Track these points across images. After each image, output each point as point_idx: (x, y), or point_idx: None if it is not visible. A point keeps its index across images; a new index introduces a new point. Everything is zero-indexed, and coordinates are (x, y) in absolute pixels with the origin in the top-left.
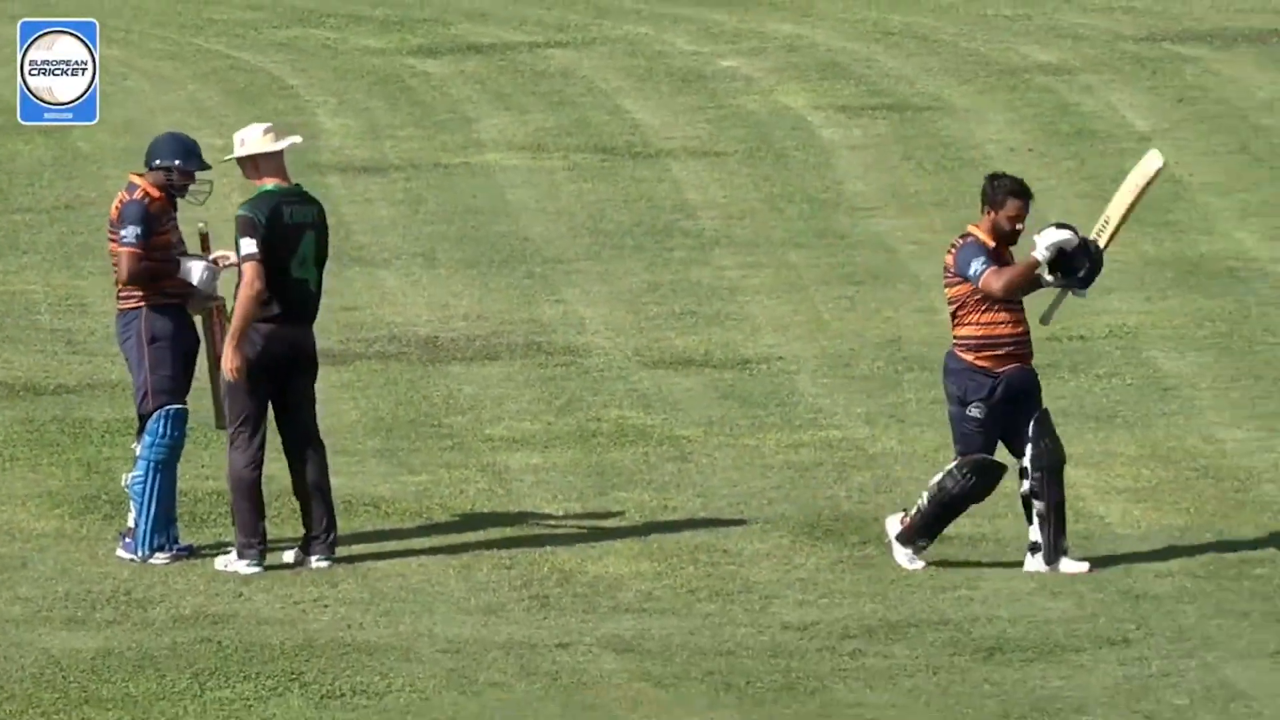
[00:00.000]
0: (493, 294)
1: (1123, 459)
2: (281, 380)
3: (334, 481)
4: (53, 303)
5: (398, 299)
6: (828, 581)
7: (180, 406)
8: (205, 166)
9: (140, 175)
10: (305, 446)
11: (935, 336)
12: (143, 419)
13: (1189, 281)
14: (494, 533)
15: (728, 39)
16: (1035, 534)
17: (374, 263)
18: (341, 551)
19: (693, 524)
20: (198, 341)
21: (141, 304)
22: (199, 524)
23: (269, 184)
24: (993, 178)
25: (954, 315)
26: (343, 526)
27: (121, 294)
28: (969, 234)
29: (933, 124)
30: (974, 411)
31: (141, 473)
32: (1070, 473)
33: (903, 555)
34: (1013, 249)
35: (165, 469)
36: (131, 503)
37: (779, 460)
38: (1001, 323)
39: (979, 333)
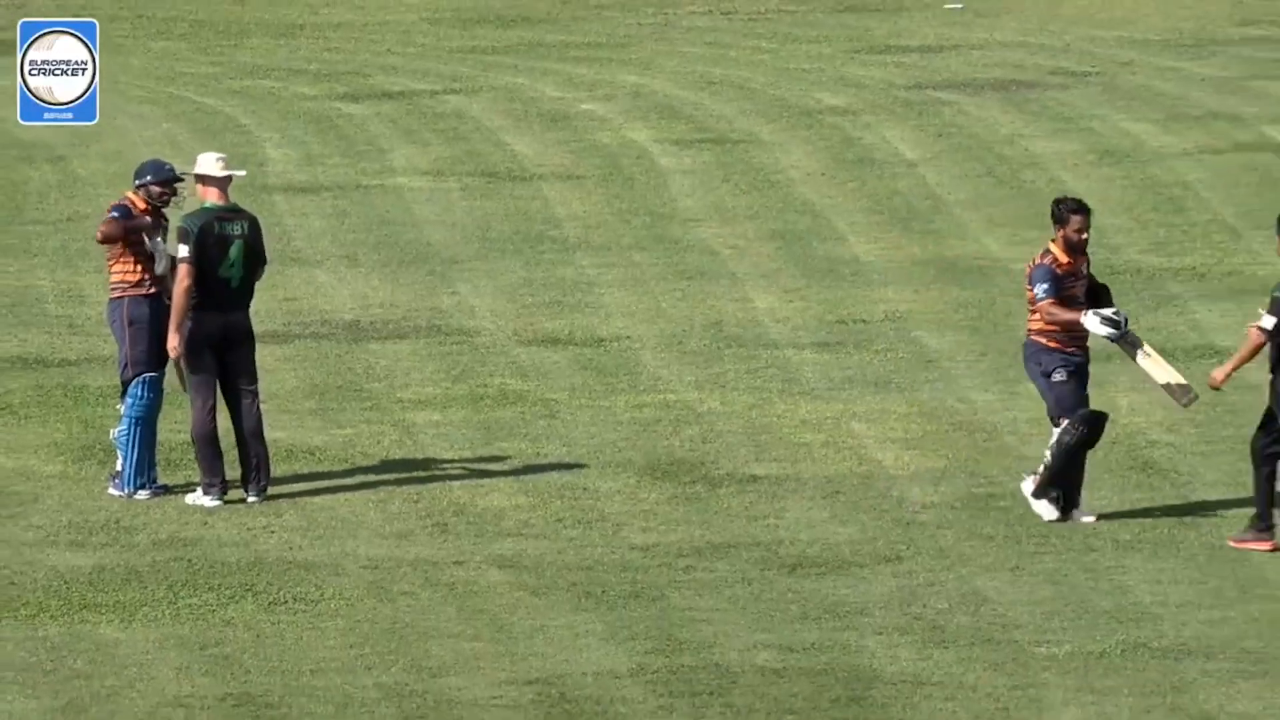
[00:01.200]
0: (402, 287)
1: (895, 415)
2: (220, 353)
3: (279, 434)
4: (57, 295)
5: (327, 291)
6: (665, 512)
7: (155, 374)
8: (178, 179)
9: (131, 193)
10: (241, 404)
11: (748, 320)
12: (125, 385)
13: (947, 277)
14: (404, 474)
15: (586, 87)
16: (1039, 468)
17: (309, 263)
18: (283, 489)
19: (559, 467)
20: (158, 328)
21: (125, 295)
22: (173, 468)
23: (209, 200)
24: (1058, 201)
25: (1030, 310)
26: (284, 469)
27: (111, 285)
28: (1048, 251)
29: (746, 154)
30: (1058, 376)
31: (125, 427)
32: (855, 426)
33: (1042, 507)
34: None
35: (145, 424)
36: (118, 451)
37: (627, 417)
38: (1065, 319)
39: (1046, 327)
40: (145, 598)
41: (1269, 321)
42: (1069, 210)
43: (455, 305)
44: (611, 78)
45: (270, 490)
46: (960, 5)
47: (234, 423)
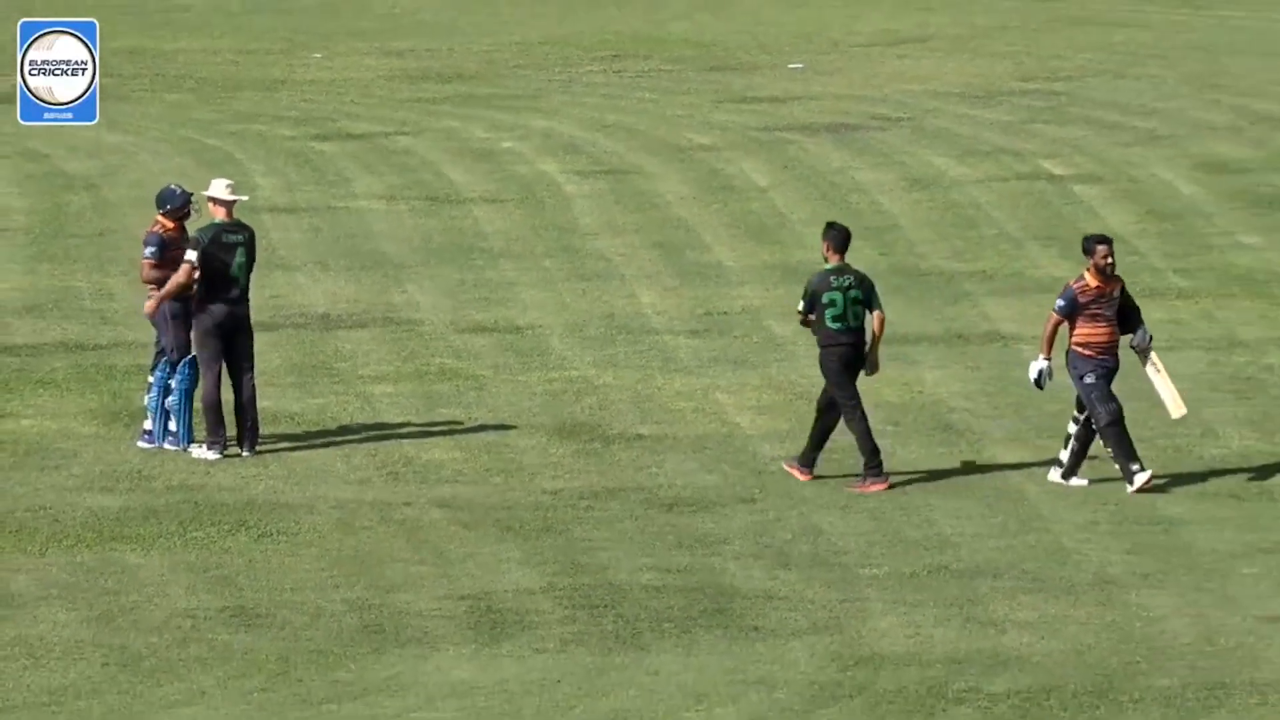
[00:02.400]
0: (363, 287)
1: (750, 387)
2: (228, 339)
3: (266, 403)
4: (91, 294)
5: (305, 290)
6: (569, 463)
7: (193, 355)
8: (189, 198)
9: (160, 218)
10: (242, 379)
11: (635, 312)
12: (169, 365)
13: (790, 278)
14: (364, 434)
15: (507, 129)
16: (1063, 452)
17: (290, 268)
18: (269, 446)
19: (486, 429)
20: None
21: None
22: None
23: (218, 217)
24: (1086, 237)
25: (1070, 326)
26: (268, 430)
27: (152, 289)
28: (1081, 277)
29: (633, 182)
30: (1089, 379)
31: (156, 394)
32: (719, 396)
33: (1140, 477)
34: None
35: (188, 395)
36: (148, 413)
37: (539, 389)
38: (1097, 332)
39: (1080, 339)
40: (160, 531)
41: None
42: (1095, 242)
43: (404, 301)
44: (527, 122)
45: (259, 447)
46: (801, 66)
47: (235, 393)
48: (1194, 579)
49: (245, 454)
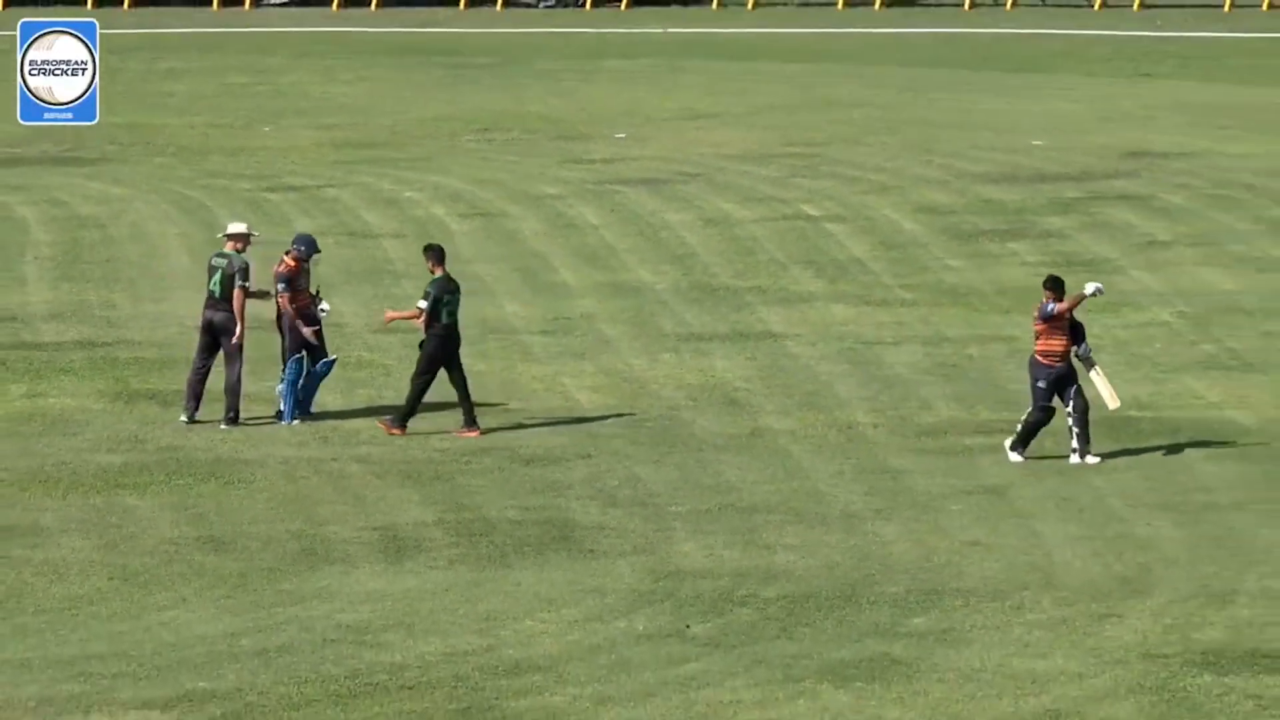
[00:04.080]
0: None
1: (588, 374)
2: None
3: (267, 384)
4: (100, 305)
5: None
6: (444, 428)
7: (298, 356)
8: (315, 248)
9: (286, 256)
10: (226, 369)
11: (501, 318)
12: (286, 362)
13: (618, 293)
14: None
15: (407, 183)
16: (1074, 442)
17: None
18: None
19: (392, 404)
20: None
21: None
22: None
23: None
24: (1047, 277)
25: (1036, 336)
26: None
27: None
28: (1047, 303)
29: (501, 222)
30: (1041, 383)
31: (284, 387)
32: (565, 380)
33: (1015, 456)
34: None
35: (293, 385)
36: (281, 400)
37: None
38: (1054, 345)
39: (1041, 349)
40: (151, 480)
41: None
42: (1053, 283)
43: (334, 310)
44: (423, 178)
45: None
46: (624, 135)
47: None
48: (914, 513)
49: (222, 426)
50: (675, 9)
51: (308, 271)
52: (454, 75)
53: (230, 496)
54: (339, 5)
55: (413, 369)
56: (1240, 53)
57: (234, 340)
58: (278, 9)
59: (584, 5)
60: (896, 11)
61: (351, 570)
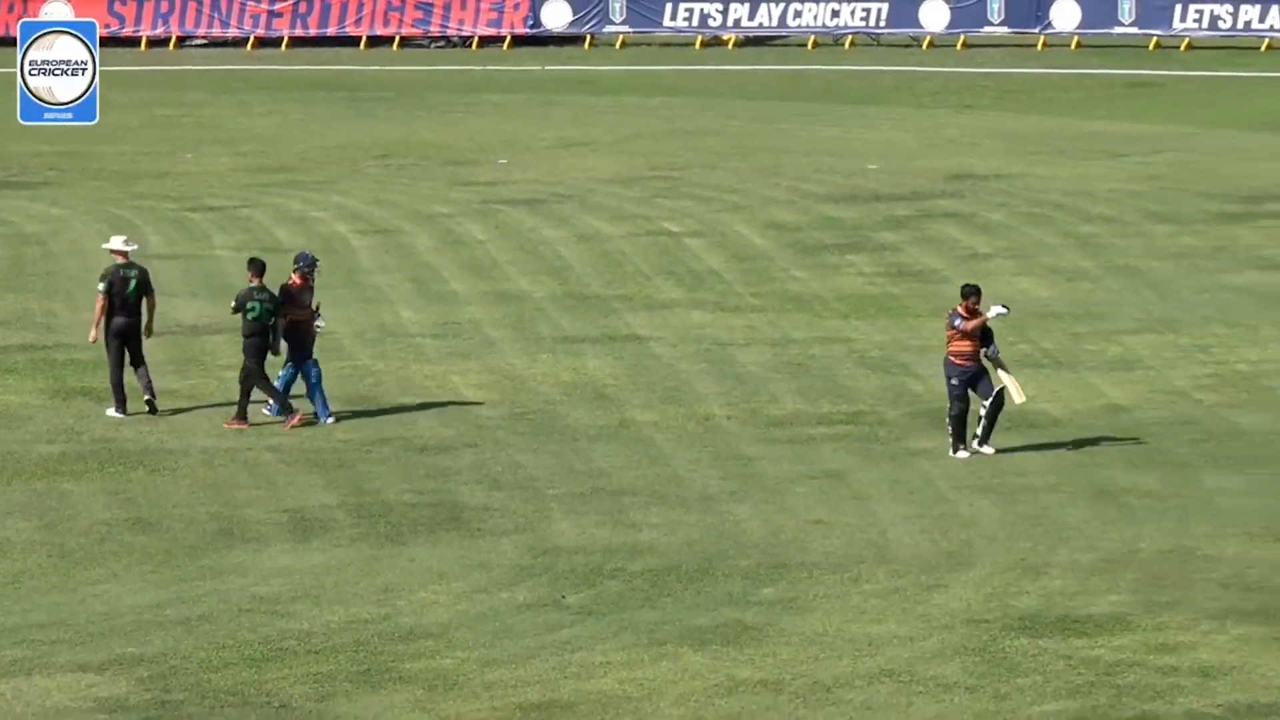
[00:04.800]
0: (219, 307)
1: (474, 372)
2: (125, 341)
3: (155, 384)
4: (41, 313)
5: (181, 309)
6: (355, 422)
7: (293, 363)
8: (314, 261)
9: (293, 274)
10: (138, 368)
11: (397, 323)
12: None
13: (500, 301)
14: (218, 404)
15: (313, 204)
16: (979, 428)
17: (171, 294)
18: (200, 414)
19: (301, 399)
20: (299, 340)
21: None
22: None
23: (118, 260)
24: (965, 285)
25: (948, 340)
26: (198, 407)
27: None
28: (955, 309)
29: (396, 238)
30: (954, 381)
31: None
32: (453, 378)
33: (960, 453)
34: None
35: (286, 384)
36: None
37: (335, 374)
38: (964, 348)
39: (953, 351)
40: (86, 468)
41: None
42: (969, 292)
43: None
44: (327, 199)
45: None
46: (505, 161)
47: (137, 377)
48: (764, 495)
49: (149, 413)
50: (551, 49)
51: (311, 288)
52: (355, 108)
53: (156, 482)
54: (253, 46)
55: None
56: (1050, 87)
57: (142, 341)
58: (198, 49)
59: (471, 45)
60: (748, 51)
61: (264, 548)
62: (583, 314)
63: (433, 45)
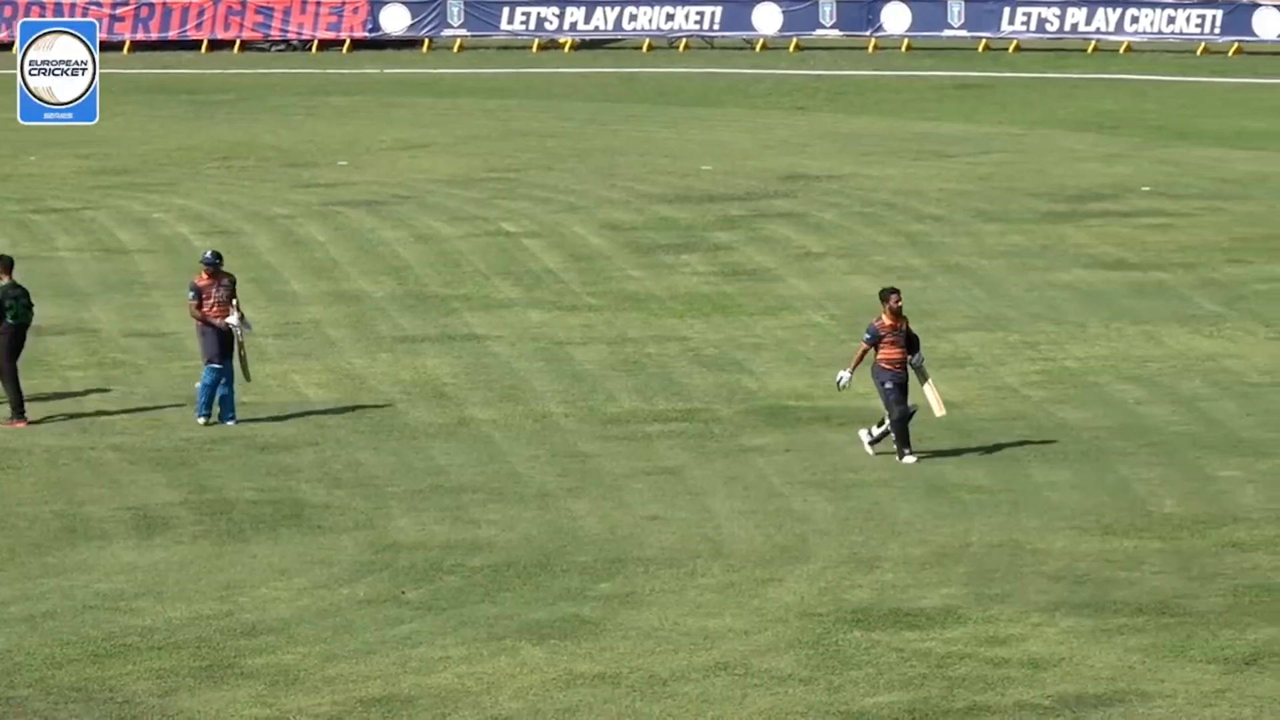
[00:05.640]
0: (63, 308)
1: (314, 371)
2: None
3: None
4: None
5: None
6: (198, 420)
7: (211, 365)
8: (216, 260)
9: (205, 270)
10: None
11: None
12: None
13: (341, 301)
14: (65, 405)
15: (156, 205)
16: (876, 433)
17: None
18: (43, 412)
19: (143, 399)
20: (219, 340)
21: (197, 325)
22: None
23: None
24: (883, 289)
25: (876, 348)
26: (38, 404)
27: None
28: (880, 316)
29: (237, 239)
30: (888, 385)
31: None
32: (295, 376)
33: (908, 459)
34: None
35: (207, 388)
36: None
37: (178, 374)
38: (892, 354)
39: (882, 357)
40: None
41: None
42: (889, 293)
43: (90, 317)
44: (169, 200)
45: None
46: (345, 163)
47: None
48: (601, 491)
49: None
50: (390, 52)
51: (224, 285)
52: (196, 111)
53: (7, 481)
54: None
55: (158, 370)
56: (881, 88)
57: None
58: None
59: (310, 48)
60: (584, 54)
61: (108, 545)
62: (422, 313)
63: (273, 49)
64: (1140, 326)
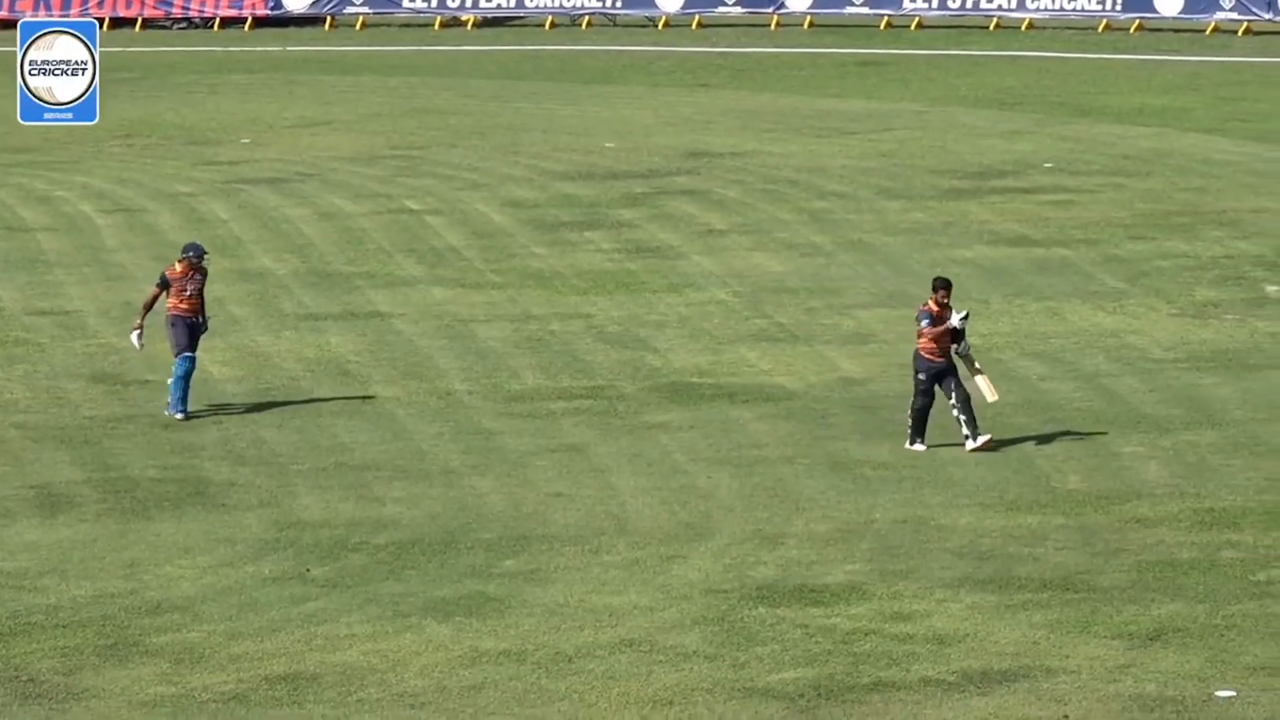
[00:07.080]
0: (24, 292)
1: (218, 350)
2: None
3: None
4: None
5: (0, 299)
6: (102, 399)
7: (183, 354)
8: (200, 254)
9: (179, 263)
10: None
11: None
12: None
13: (242, 279)
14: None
15: (59, 184)
16: (963, 429)
17: (53, 264)
18: None
19: (47, 377)
20: (189, 330)
21: (169, 314)
22: None
23: None
24: (935, 279)
25: (918, 335)
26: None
27: (168, 308)
28: (926, 302)
29: (140, 217)
30: (922, 375)
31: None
32: (199, 355)
33: (917, 446)
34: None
35: (180, 380)
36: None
37: (81, 351)
38: (936, 343)
39: (924, 346)
40: None
41: None
42: (940, 285)
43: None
44: (71, 179)
45: None
46: (249, 141)
47: None
48: (505, 469)
49: None
50: (292, 30)
51: (194, 277)
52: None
53: None
54: None
55: (62, 348)
56: (783, 66)
57: None
58: None
59: (212, 26)
60: (487, 31)
61: (11, 523)
62: (325, 291)
63: (175, 27)
64: (1043, 303)
